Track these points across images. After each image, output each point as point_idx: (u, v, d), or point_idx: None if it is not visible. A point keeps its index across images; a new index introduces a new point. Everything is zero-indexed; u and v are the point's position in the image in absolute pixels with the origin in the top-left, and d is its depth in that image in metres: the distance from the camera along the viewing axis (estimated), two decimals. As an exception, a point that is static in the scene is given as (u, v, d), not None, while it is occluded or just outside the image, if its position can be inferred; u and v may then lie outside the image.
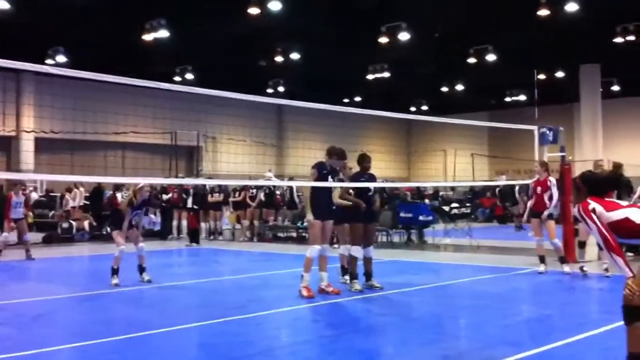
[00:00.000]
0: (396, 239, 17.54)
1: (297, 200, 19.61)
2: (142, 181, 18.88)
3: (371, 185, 9.64)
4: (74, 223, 19.87)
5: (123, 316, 7.88)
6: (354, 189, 9.47)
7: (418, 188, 25.94)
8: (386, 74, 29.11)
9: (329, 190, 9.30)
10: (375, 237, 10.45)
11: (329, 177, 9.14)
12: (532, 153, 12.96)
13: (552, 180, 11.35)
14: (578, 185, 5.04)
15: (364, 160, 9.77)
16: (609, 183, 5.22)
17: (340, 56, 26.17)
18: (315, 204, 9.13)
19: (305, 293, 8.70)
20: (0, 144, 30.89)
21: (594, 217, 4.72)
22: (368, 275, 9.58)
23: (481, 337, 6.56)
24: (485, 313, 7.86)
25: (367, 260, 9.55)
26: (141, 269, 10.46)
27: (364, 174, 9.71)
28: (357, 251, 9.40)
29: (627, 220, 4.70)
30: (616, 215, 4.72)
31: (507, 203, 27.08)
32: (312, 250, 8.90)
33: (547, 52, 25.86)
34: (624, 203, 4.99)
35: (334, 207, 9.33)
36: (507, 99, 36.54)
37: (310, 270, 8.85)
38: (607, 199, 4.87)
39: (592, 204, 4.77)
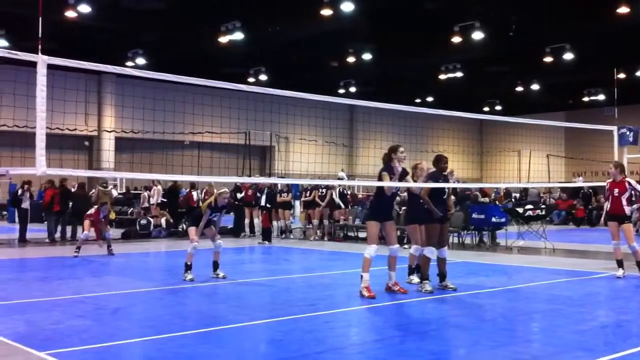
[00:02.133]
0: (468, 240, 17.32)
1: (338, 201, 19.47)
2: (216, 180, 19.34)
3: (446, 185, 9.60)
4: (151, 220, 20.48)
5: (196, 311, 8.09)
6: (430, 189, 9.43)
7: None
8: (459, 74, 28.79)
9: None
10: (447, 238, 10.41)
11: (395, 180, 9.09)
12: (611, 154, 12.58)
13: (632, 181, 11.00)
14: None
15: (440, 161, 9.72)
16: None
17: (412, 56, 26.04)
18: (373, 204, 9.20)
19: (365, 293, 8.70)
20: (83, 143, 32.10)
21: None
22: (442, 276, 9.54)
23: (555, 342, 6.43)
24: (560, 317, 7.70)
25: (441, 261, 9.51)
26: (215, 265, 10.71)
27: (441, 175, 9.67)
28: (431, 252, 9.38)
29: None
30: None
31: (590, 205, 26.46)
32: (369, 250, 8.87)
33: (627, 50, 25.01)
34: None
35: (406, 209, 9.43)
36: (585, 99, 35.53)
37: (369, 270, 8.83)
38: None
39: None
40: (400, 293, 8.99)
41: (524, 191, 30.77)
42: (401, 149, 9.16)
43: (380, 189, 9.15)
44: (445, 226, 9.80)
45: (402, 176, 9.13)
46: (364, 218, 18.90)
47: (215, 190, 11.86)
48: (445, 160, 9.77)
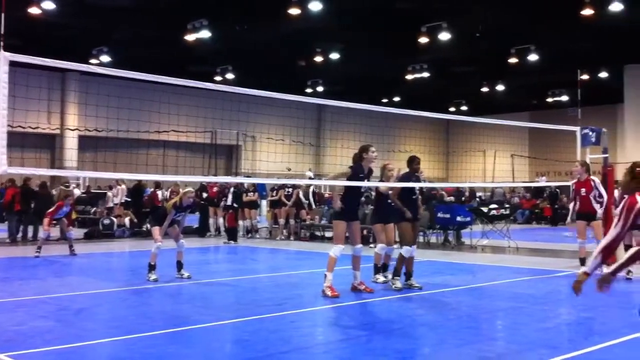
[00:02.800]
0: (433, 239, 17.46)
1: (311, 200, 19.62)
2: (182, 179, 19.16)
3: (417, 185, 9.72)
4: (115, 219, 20.23)
5: (162, 311, 8.01)
6: (400, 189, 9.55)
7: (458, 189, 25.81)
8: (426, 74, 28.98)
9: (357, 192, 9.41)
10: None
11: (364, 180, 9.20)
12: (574, 154, 12.77)
13: (596, 179, 11.20)
14: (635, 172, 4.51)
15: (413, 162, 9.82)
16: None
17: (379, 56, 26.14)
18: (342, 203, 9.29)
19: (329, 293, 8.71)
20: (45, 142, 31.58)
21: (629, 219, 4.35)
22: (408, 274, 9.61)
23: (519, 340, 6.51)
24: (523, 315, 7.78)
25: (409, 260, 9.57)
26: (179, 265, 10.61)
27: (413, 175, 9.75)
28: (408, 251, 9.48)
29: None
30: None
31: (556, 205, 26.89)
32: (334, 250, 8.90)
33: (590, 52, 25.44)
34: None
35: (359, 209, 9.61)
36: (549, 100, 36.06)
37: (333, 269, 8.87)
38: None
39: None
40: (366, 292, 9.01)
41: (491, 192, 31.14)
42: (372, 148, 9.21)
43: (347, 189, 9.17)
44: (416, 225, 9.92)
45: (368, 176, 9.25)
46: (330, 217, 18.93)
47: (181, 190, 11.76)
48: (418, 161, 9.88)
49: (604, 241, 4.50)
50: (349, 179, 9.06)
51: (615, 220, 4.53)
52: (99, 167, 26.67)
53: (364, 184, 9.18)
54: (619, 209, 4.63)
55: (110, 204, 22.65)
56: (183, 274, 10.56)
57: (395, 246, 10.00)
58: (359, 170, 9.09)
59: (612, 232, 4.48)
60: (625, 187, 4.58)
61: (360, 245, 9.24)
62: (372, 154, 9.12)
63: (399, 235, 9.74)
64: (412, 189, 9.65)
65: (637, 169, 4.53)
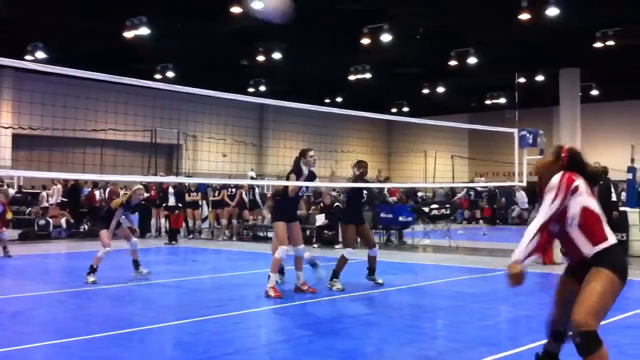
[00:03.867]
0: (376, 239, 17.55)
1: (259, 200, 19.59)
2: (120, 179, 18.76)
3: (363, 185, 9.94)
4: (50, 220, 19.69)
5: (101, 314, 7.82)
6: (352, 194, 9.89)
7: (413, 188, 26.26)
8: (368, 75, 29.18)
9: (361, 196, 9.89)
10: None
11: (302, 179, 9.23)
12: (512, 155, 13.04)
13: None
14: (560, 155, 4.36)
15: (360, 165, 10.12)
16: (594, 176, 4.47)
17: (322, 56, 26.18)
18: (278, 205, 9.42)
19: (272, 293, 8.68)
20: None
21: (567, 195, 4.14)
22: (372, 270, 10.02)
23: (459, 338, 6.59)
24: (464, 313, 7.90)
25: (372, 259, 9.96)
26: (136, 264, 10.47)
27: (362, 179, 10.04)
28: (350, 253, 9.66)
29: (597, 216, 4.22)
30: (592, 204, 4.22)
31: (495, 205, 27.43)
32: (280, 251, 8.90)
33: (527, 56, 26.05)
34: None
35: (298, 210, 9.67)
36: (488, 102, 36.78)
37: (277, 270, 8.95)
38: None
39: (578, 181, 4.19)
40: (309, 292, 9.01)
41: (433, 192, 31.61)
42: (311, 152, 9.27)
43: (285, 190, 9.22)
44: (366, 227, 10.23)
45: (310, 179, 9.28)
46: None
47: (120, 190, 11.56)
48: (366, 165, 10.18)
49: (539, 226, 4.21)
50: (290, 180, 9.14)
51: (548, 199, 4.21)
52: (33, 166, 25.94)
53: (302, 183, 9.17)
54: (550, 190, 4.22)
55: (45, 204, 22.04)
56: (142, 271, 10.43)
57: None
58: (298, 172, 9.14)
59: (546, 212, 4.21)
60: (546, 168, 4.40)
61: (302, 246, 9.26)
62: (310, 158, 9.22)
63: (341, 237, 9.94)
64: (361, 193, 9.88)
65: (564, 154, 4.36)
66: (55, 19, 21.74)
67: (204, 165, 30.32)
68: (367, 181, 10.16)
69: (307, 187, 9.63)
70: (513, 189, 24.80)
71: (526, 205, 24.86)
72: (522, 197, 25.64)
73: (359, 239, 10.62)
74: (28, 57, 24.32)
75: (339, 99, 36.92)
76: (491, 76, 29.24)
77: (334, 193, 19.44)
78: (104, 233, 10.29)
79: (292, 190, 9.01)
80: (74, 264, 13.53)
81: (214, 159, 26.24)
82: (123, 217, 10.58)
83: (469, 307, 8.31)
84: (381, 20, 22.04)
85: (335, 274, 9.52)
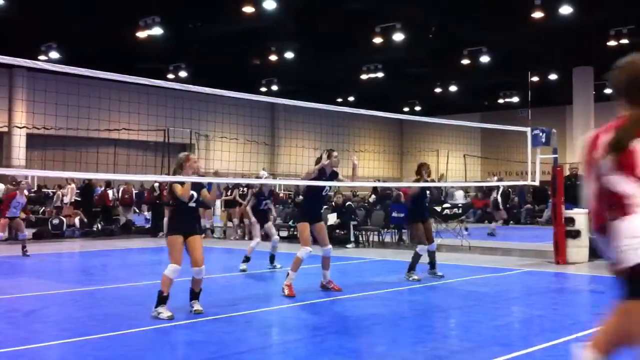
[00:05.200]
0: (388, 238, 17.55)
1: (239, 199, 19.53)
2: (133, 178, 18.87)
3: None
4: (64, 219, 19.81)
5: (115, 312, 7.84)
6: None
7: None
8: (380, 74, 29.15)
9: (319, 193, 9.23)
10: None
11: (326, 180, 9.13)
12: (525, 155, 12.99)
13: None
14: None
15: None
16: None
17: (334, 56, 26.18)
18: (302, 205, 9.26)
19: (286, 291, 8.72)
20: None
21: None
22: (432, 264, 10.71)
23: (472, 337, 6.57)
24: (477, 313, 7.87)
25: (431, 254, 10.66)
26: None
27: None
28: (422, 250, 10.39)
29: None
30: None
31: (508, 205, 27.21)
32: (301, 252, 8.90)
33: (540, 55, 25.94)
34: None
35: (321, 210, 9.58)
36: (500, 101, 36.66)
37: (298, 270, 8.89)
38: None
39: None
40: (335, 291, 9.04)
41: (446, 193, 31.36)
42: (335, 153, 9.21)
43: (309, 189, 9.19)
44: (427, 224, 10.70)
45: (332, 179, 9.21)
46: (285, 217, 18.89)
47: (132, 189, 11.52)
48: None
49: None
50: (313, 180, 9.04)
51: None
52: (47, 166, 26.11)
53: (327, 183, 9.11)
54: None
55: (59, 204, 22.19)
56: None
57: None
58: (322, 172, 9.08)
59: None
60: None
61: (329, 247, 9.22)
62: (335, 158, 9.11)
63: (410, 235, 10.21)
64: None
65: None
66: (68, 20, 21.86)
67: (217, 165, 30.42)
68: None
69: (329, 187, 9.44)
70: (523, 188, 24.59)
71: (462, 200, 24.69)
72: (460, 195, 25.49)
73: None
74: (42, 57, 24.49)
75: (351, 98, 36.91)
76: (504, 75, 29.15)
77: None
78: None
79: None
80: (88, 263, 13.61)
81: (226, 158, 26.30)
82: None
83: (482, 307, 8.28)
84: (393, 20, 22.02)
85: (412, 267, 10.23)
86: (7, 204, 13.98)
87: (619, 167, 3.00)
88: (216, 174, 14.67)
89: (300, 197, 15.81)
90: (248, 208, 12.96)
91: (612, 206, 3.03)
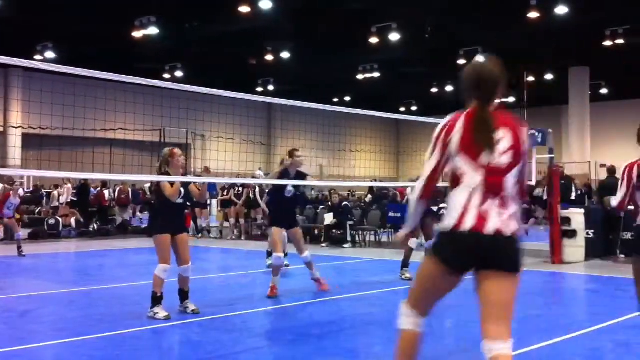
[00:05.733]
0: (385, 238, 17.56)
1: (259, 198, 19.50)
2: (129, 178, 18.82)
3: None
4: (60, 219, 19.79)
5: (111, 313, 7.83)
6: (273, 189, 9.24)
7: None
8: (376, 74, 29.16)
9: (282, 195, 8.77)
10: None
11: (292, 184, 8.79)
12: (521, 154, 12.99)
13: None
14: None
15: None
16: None
17: (330, 56, 26.18)
18: (272, 210, 9.08)
19: (268, 292, 8.58)
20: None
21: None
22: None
23: (469, 337, 6.57)
24: (473, 313, 7.84)
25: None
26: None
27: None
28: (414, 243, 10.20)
29: None
30: None
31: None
32: (273, 258, 8.72)
33: (536, 55, 25.97)
34: None
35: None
36: (496, 101, 36.68)
37: (279, 274, 8.66)
38: None
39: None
40: (322, 290, 8.98)
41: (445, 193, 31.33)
42: (298, 152, 8.88)
43: (271, 192, 9.15)
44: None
45: (298, 179, 8.87)
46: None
47: (128, 189, 11.49)
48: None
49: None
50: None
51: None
52: (43, 166, 26.08)
53: (287, 182, 8.72)
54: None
55: (56, 204, 22.15)
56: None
57: (305, 254, 8.99)
58: (285, 174, 8.74)
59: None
60: None
61: (306, 254, 8.88)
62: (298, 158, 8.76)
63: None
64: (284, 187, 8.73)
65: None
66: (65, 19, 21.83)
67: (213, 165, 30.43)
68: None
69: (293, 188, 8.79)
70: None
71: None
72: None
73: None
74: (38, 57, 24.44)
75: (347, 98, 36.92)
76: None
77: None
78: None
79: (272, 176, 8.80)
80: (84, 263, 13.60)
81: (222, 158, 26.30)
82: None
83: (478, 307, 8.27)
84: (389, 19, 22.03)
85: (405, 264, 10.17)
86: (1, 205, 13.98)
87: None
88: (207, 170, 14.55)
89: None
90: (263, 205, 12.85)
91: None
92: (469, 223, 3.37)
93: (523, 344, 6.14)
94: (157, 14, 21.48)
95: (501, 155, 3.47)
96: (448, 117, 3.68)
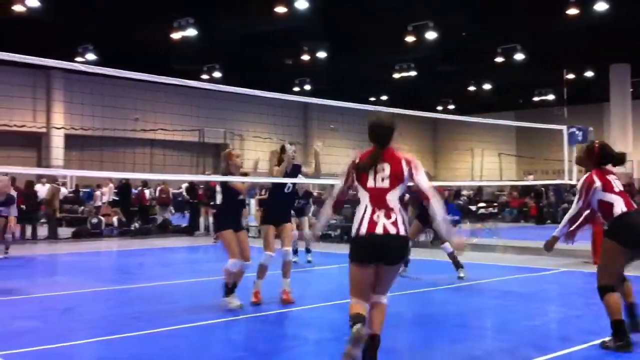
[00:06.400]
0: (422, 238, 17.44)
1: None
2: (169, 178, 18.98)
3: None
4: (102, 218, 20.12)
5: (149, 311, 7.92)
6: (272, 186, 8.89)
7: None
8: (412, 73, 29.02)
9: (282, 191, 8.51)
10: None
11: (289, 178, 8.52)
12: (561, 153, 12.81)
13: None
14: (593, 151, 6.14)
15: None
16: (618, 159, 6.27)
17: (366, 55, 26.13)
18: (266, 208, 8.74)
19: (252, 299, 8.10)
20: (31, 141, 31.35)
21: (590, 193, 5.92)
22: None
23: (508, 338, 6.51)
24: (512, 313, 7.80)
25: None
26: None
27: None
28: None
29: (610, 205, 5.84)
30: (607, 197, 5.88)
31: (541, 203, 26.87)
32: (263, 257, 8.29)
33: (576, 52, 25.57)
34: (616, 188, 5.95)
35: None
36: (535, 99, 36.21)
37: (264, 277, 8.26)
38: (607, 177, 5.99)
39: (596, 182, 5.89)
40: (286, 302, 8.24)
41: (479, 191, 31.15)
42: (290, 147, 8.64)
43: (270, 190, 8.77)
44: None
45: (292, 175, 8.61)
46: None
47: (170, 189, 11.62)
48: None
49: (568, 214, 6.18)
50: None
51: (576, 197, 6.09)
52: (85, 166, 26.55)
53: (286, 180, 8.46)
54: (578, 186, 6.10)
55: (98, 203, 22.53)
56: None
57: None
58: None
59: (575, 206, 6.07)
60: (584, 163, 6.26)
61: (287, 249, 8.44)
62: (290, 152, 8.53)
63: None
64: (284, 184, 8.48)
65: (594, 148, 6.17)
66: (104, 21, 22.18)
67: (250, 164, 30.62)
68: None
69: (292, 185, 8.55)
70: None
71: None
72: None
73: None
74: (78, 59, 24.87)
75: (383, 97, 36.80)
76: (539, 73, 28.78)
77: None
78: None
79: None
80: (124, 262, 13.81)
81: (260, 157, 26.47)
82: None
83: (518, 307, 8.20)
84: (425, 18, 21.90)
85: (458, 264, 10.41)
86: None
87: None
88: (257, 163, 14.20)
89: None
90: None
91: None
92: (363, 229, 4.75)
93: (565, 345, 6.05)
94: (195, 15, 21.70)
95: (382, 180, 4.85)
96: (355, 153, 5.14)
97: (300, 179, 8.75)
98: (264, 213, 8.70)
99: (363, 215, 4.76)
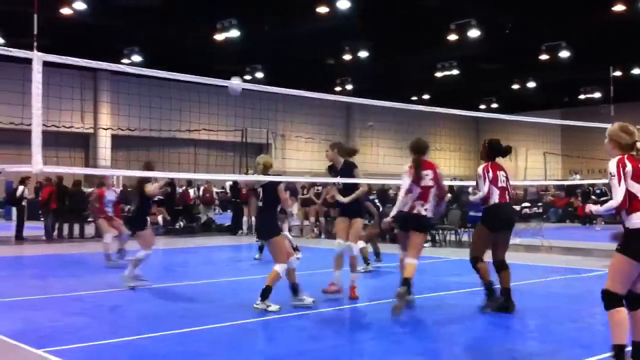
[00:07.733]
0: (465, 238, 17.31)
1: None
2: (213, 177, 19.13)
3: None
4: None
5: (193, 308, 8.05)
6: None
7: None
8: (455, 72, 28.80)
9: (339, 188, 8.80)
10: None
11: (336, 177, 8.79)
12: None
13: None
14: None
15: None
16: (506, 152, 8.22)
17: (408, 54, 26.05)
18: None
19: (330, 288, 8.50)
20: (79, 141, 32.03)
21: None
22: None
23: (552, 339, 6.45)
24: (556, 314, 7.70)
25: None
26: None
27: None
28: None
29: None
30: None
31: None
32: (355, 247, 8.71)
33: (622, 48, 25.05)
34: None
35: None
36: (581, 97, 35.59)
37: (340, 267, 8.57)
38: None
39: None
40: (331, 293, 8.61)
41: (524, 190, 30.70)
42: (326, 149, 8.99)
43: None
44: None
45: (339, 173, 8.79)
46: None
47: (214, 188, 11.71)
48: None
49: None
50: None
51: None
52: (131, 166, 27.01)
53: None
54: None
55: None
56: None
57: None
58: (332, 169, 8.91)
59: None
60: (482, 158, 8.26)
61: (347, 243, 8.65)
62: (326, 152, 8.92)
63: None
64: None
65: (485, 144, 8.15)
66: (149, 23, 22.55)
67: (292, 164, 30.74)
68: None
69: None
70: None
71: None
72: None
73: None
74: (124, 61, 25.34)
75: (426, 96, 36.59)
76: (584, 70, 28.29)
77: None
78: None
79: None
80: (169, 260, 14.01)
81: (302, 157, 26.55)
82: None
83: (562, 308, 8.10)
84: (468, 16, 21.72)
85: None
86: (101, 205, 13.22)
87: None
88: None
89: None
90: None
91: None
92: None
93: (610, 347, 5.96)
94: (238, 16, 21.90)
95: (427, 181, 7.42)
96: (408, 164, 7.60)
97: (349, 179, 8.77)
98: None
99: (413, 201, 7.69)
